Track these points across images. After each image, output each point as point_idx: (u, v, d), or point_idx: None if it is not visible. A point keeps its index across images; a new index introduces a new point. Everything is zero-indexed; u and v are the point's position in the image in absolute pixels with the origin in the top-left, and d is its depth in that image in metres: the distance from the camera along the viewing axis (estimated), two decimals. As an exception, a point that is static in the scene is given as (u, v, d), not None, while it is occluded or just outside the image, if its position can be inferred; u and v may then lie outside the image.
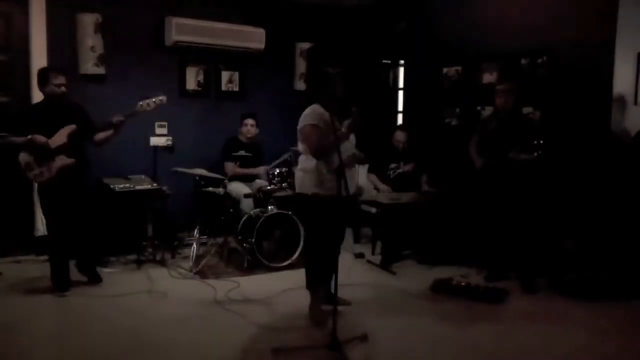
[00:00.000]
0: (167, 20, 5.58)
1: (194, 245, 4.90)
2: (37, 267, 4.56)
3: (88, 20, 5.16)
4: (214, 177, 4.95)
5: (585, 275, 4.13)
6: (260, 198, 4.99)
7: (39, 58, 5.07)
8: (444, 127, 5.85)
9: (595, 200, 4.32)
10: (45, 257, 4.30)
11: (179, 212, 5.42)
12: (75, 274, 4.26)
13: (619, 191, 4.22)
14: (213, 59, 6.00)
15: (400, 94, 6.76)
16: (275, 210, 4.84)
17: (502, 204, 4.40)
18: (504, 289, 4.21)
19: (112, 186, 4.80)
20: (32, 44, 5.09)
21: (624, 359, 3.27)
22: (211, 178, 4.98)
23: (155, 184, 5.00)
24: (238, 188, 5.25)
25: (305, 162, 3.66)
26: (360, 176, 5.69)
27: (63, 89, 4.01)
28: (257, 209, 4.96)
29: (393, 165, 5.52)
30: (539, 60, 4.92)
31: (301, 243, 4.84)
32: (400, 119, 6.66)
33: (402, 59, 6.70)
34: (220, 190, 4.92)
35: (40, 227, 4.90)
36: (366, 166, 5.63)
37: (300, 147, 3.71)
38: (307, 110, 3.65)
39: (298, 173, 3.73)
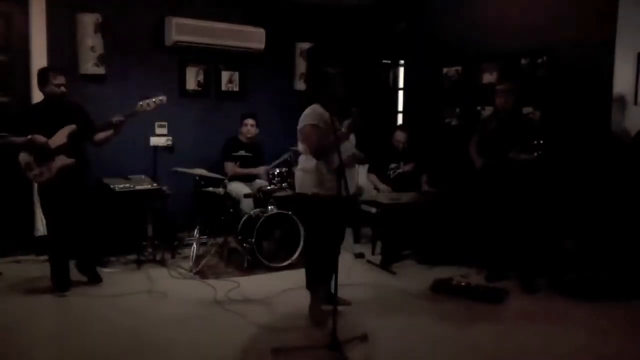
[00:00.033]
0: (167, 20, 5.58)
1: (194, 245, 4.90)
2: (37, 267, 4.56)
3: (88, 20, 5.16)
4: (214, 177, 4.95)
5: (585, 275, 4.13)
6: (260, 198, 4.99)
7: (39, 58, 5.07)
8: (444, 127, 5.85)
9: (595, 201, 4.32)
10: (45, 257, 4.30)
11: (179, 212, 5.43)
12: (75, 274, 4.26)
13: (619, 191, 4.22)
14: (213, 59, 6.00)
15: (400, 94, 6.76)
16: (275, 210, 4.84)
17: (502, 204, 4.40)
18: (504, 289, 4.21)
19: (112, 186, 4.80)
20: (32, 44, 5.09)
21: (624, 359, 3.27)
22: (211, 178, 4.98)
23: (155, 184, 5.00)
24: (238, 188, 5.25)
25: (305, 162, 3.66)
26: (360, 176, 5.70)
27: (63, 89, 4.01)
28: (257, 209, 4.96)
29: (393, 165, 5.52)
30: (539, 60, 4.92)
31: (301, 243, 4.84)
32: (400, 119, 6.66)
33: (402, 59, 6.70)
34: (220, 190, 4.92)
35: (40, 227, 4.90)
36: (366, 166, 5.63)
37: (300, 147, 3.71)
38: (307, 110, 3.65)
39: (298, 173, 3.73)
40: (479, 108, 5.44)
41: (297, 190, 3.74)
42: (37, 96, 4.39)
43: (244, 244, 4.82)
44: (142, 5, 5.59)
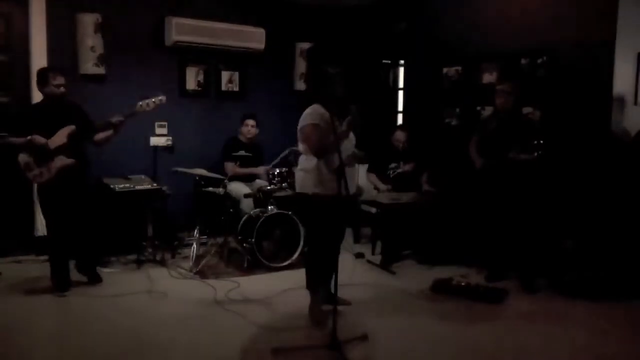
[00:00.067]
0: (167, 20, 5.58)
1: (194, 245, 4.90)
2: (37, 267, 4.56)
3: (88, 20, 5.16)
4: (214, 177, 4.95)
5: (585, 275, 4.13)
6: (260, 198, 4.99)
7: (39, 58, 5.07)
8: (444, 127, 5.85)
9: (595, 200, 4.32)
10: (45, 257, 4.30)
11: (179, 212, 5.43)
12: (75, 274, 4.26)
13: (619, 191, 4.22)
14: (213, 59, 6.00)
15: (400, 94, 6.76)
16: (275, 210, 4.84)
17: (502, 204, 4.40)
18: (504, 289, 4.21)
19: (112, 186, 4.80)
20: (32, 44, 5.09)
21: (624, 359, 3.26)
22: (211, 178, 4.98)
23: (155, 184, 5.01)
24: (238, 188, 5.25)
25: (306, 162, 3.66)
26: (360, 176, 5.69)
27: (62, 89, 4.01)
28: (257, 209, 4.96)
29: (393, 165, 5.52)
30: (539, 60, 4.92)
31: (301, 243, 4.84)
32: (400, 119, 6.66)
33: (402, 59, 6.70)
34: (220, 190, 4.92)
35: (40, 227, 4.90)
36: (366, 166, 5.63)
37: (301, 147, 3.71)
38: (308, 110, 3.65)
39: (298, 173, 3.73)
40: (479, 108, 5.44)
41: (298, 190, 3.74)
42: (37, 96, 4.39)
43: (244, 244, 4.82)
44: (142, 5, 5.59)
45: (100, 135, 4.15)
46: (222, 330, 3.52)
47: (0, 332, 3.42)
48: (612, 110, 4.46)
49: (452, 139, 5.63)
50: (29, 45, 5.10)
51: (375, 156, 5.49)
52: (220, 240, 5.11)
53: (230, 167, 5.42)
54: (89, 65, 5.21)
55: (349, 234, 5.31)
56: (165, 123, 5.76)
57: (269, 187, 4.96)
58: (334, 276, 3.44)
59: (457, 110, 5.74)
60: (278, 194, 5.01)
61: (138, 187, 4.88)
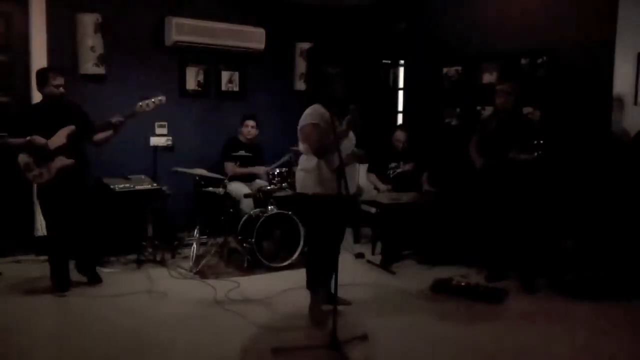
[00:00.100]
0: (167, 20, 5.58)
1: (194, 245, 4.90)
2: (37, 267, 4.56)
3: (88, 20, 5.16)
4: (214, 177, 4.95)
5: (585, 275, 4.13)
6: (260, 198, 4.99)
7: (39, 58, 5.07)
8: (444, 127, 5.85)
9: (595, 200, 4.32)
10: (45, 257, 4.30)
11: (179, 212, 5.43)
12: (75, 275, 4.26)
13: (619, 191, 4.22)
14: (213, 59, 6.00)
15: (400, 94, 6.76)
16: (275, 210, 4.84)
17: (502, 204, 4.40)
18: (504, 289, 4.21)
19: (112, 186, 4.80)
20: (32, 44, 5.09)
21: (624, 359, 3.26)
22: (211, 178, 4.98)
23: (155, 184, 5.01)
24: (238, 188, 5.25)
25: (306, 162, 3.66)
26: (361, 176, 5.69)
27: (62, 89, 4.00)
28: (257, 209, 4.96)
29: (393, 165, 5.52)
30: (539, 60, 4.92)
31: (301, 243, 4.84)
32: (400, 119, 6.66)
33: (402, 59, 6.70)
34: (220, 190, 4.92)
35: (40, 227, 4.89)
36: (366, 166, 5.63)
37: (301, 146, 3.71)
38: (308, 110, 3.65)
39: (299, 173, 3.73)
40: (479, 108, 5.44)
41: (299, 190, 3.74)
42: (37, 96, 4.38)
43: (244, 244, 4.82)
44: (142, 5, 5.59)
45: (99, 136, 4.15)
46: (222, 330, 3.52)
47: (0, 332, 3.42)
48: (612, 110, 4.46)
49: (452, 139, 5.63)
50: (29, 45, 5.10)
51: (375, 156, 5.49)
52: (220, 240, 5.11)
53: (230, 167, 5.42)
54: (89, 65, 5.22)
55: (349, 234, 5.32)
56: (165, 123, 5.76)
57: (269, 187, 4.96)
58: (333, 276, 3.45)
59: (457, 110, 5.74)
60: (278, 194, 5.01)
61: (138, 187, 4.88)
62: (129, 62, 5.54)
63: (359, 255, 5.17)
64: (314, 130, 3.55)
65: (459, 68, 5.72)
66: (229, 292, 4.16)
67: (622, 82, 4.40)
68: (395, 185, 5.40)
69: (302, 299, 3.83)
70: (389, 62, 6.84)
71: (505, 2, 5.26)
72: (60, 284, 4.08)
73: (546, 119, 4.80)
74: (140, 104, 4.08)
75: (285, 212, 4.85)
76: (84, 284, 4.23)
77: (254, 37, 5.95)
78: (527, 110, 4.85)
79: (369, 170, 5.61)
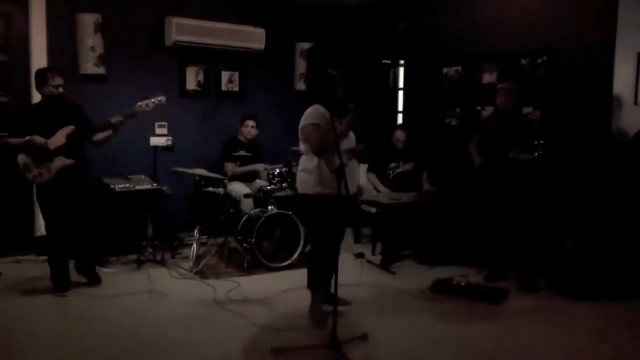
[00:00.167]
0: (167, 20, 5.58)
1: (194, 245, 4.90)
2: (37, 267, 4.56)
3: (88, 20, 5.16)
4: (214, 177, 4.95)
5: (585, 275, 4.13)
6: (260, 198, 4.99)
7: (39, 58, 5.07)
8: (444, 127, 5.85)
9: (595, 200, 4.32)
10: (45, 257, 4.30)
11: (179, 212, 5.43)
12: (76, 275, 4.26)
13: (619, 191, 4.22)
14: (213, 59, 6.00)
15: (400, 94, 6.75)
16: (275, 210, 4.84)
17: (502, 204, 4.39)
18: (504, 289, 4.21)
19: (112, 186, 4.80)
20: (32, 44, 5.09)
21: (624, 359, 3.26)
22: (211, 178, 4.98)
23: (155, 184, 5.00)
24: (238, 188, 5.25)
25: (307, 162, 3.66)
26: (361, 176, 5.69)
27: (61, 89, 4.00)
28: (257, 209, 4.96)
29: (393, 165, 5.52)
30: (539, 60, 4.92)
31: (301, 243, 4.85)
32: (400, 119, 6.66)
33: (402, 59, 6.70)
34: (220, 190, 4.92)
35: (40, 227, 4.89)
36: (366, 166, 5.63)
37: (302, 146, 3.71)
38: (309, 110, 3.66)
39: (300, 174, 3.73)
40: (479, 108, 5.44)
41: (300, 191, 3.74)
42: (37, 96, 4.38)
43: (244, 244, 4.82)
44: (142, 5, 5.59)
45: (99, 136, 4.15)
46: (222, 330, 3.52)
47: (0, 332, 3.42)
48: (612, 110, 4.46)
49: (452, 139, 5.63)
50: (29, 45, 5.10)
51: (375, 156, 5.49)
52: (220, 240, 5.11)
53: (230, 167, 5.42)
54: (89, 65, 5.22)
55: (349, 234, 5.32)
56: (165, 123, 5.76)
57: (269, 187, 4.96)
58: (333, 276, 3.44)
59: (457, 110, 5.74)
60: (278, 194, 5.01)
61: (138, 187, 4.88)
62: (129, 62, 5.54)
63: (359, 255, 5.16)
64: (315, 130, 3.55)
65: (459, 68, 5.72)
66: (229, 292, 4.16)
67: (622, 82, 4.40)
68: (395, 185, 5.40)
69: (302, 299, 3.83)
70: (389, 62, 6.84)
71: (505, 2, 5.26)
72: (60, 284, 4.08)
73: (546, 119, 4.80)
74: (140, 104, 4.08)
75: (285, 212, 4.84)
76: (84, 285, 4.23)
77: (254, 37, 5.95)
78: (527, 110, 4.85)
79: (369, 170, 5.61)
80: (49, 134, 3.92)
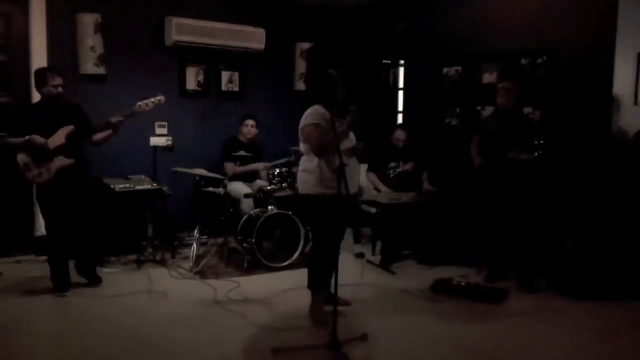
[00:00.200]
0: (167, 20, 5.58)
1: (194, 245, 4.90)
2: (37, 267, 4.56)
3: (88, 20, 5.16)
4: (214, 177, 4.95)
5: (585, 275, 4.13)
6: (260, 198, 4.99)
7: (39, 58, 5.07)
8: (444, 127, 5.85)
9: (595, 200, 4.32)
10: (45, 257, 4.30)
11: (179, 212, 5.43)
12: (76, 275, 4.26)
13: (618, 191, 4.22)
14: (213, 59, 6.00)
15: (400, 94, 6.75)
16: (275, 210, 4.84)
17: (502, 204, 4.39)
18: (504, 289, 4.21)
19: (112, 186, 4.80)
20: (32, 44, 5.09)
21: (624, 359, 3.26)
22: (211, 178, 4.98)
23: (155, 184, 5.00)
24: (238, 188, 5.25)
25: (307, 163, 3.66)
26: (361, 176, 5.69)
27: (60, 89, 4.00)
28: (257, 209, 4.96)
29: (393, 165, 5.52)
30: (539, 60, 4.92)
31: (301, 243, 4.84)
32: (400, 119, 6.66)
33: (402, 59, 6.70)
34: (220, 190, 4.92)
35: (40, 227, 4.89)
36: (366, 166, 5.63)
37: (302, 147, 3.71)
38: (309, 110, 3.66)
39: (300, 174, 3.73)
40: (479, 108, 5.44)
41: (300, 191, 3.74)
42: (37, 96, 4.38)
43: (244, 244, 4.82)
44: (142, 5, 5.59)
45: (99, 136, 4.15)
46: (222, 330, 3.52)
47: (0, 332, 3.42)
48: (612, 110, 4.46)
49: (452, 139, 5.63)
50: (29, 45, 5.10)
51: (375, 156, 5.49)
52: (220, 240, 5.11)
53: (230, 167, 5.42)
54: (89, 65, 5.22)
55: (349, 234, 5.32)
56: (165, 123, 5.76)
57: (269, 187, 4.96)
58: (333, 276, 3.44)
59: (457, 110, 5.74)
60: (278, 194, 5.01)
61: (138, 187, 4.88)
62: (129, 62, 5.54)
63: (359, 255, 5.16)
64: (315, 130, 3.55)
65: (459, 68, 5.72)
66: (229, 292, 4.16)
67: (622, 82, 4.40)
68: (395, 185, 5.40)
69: (302, 299, 3.83)
70: (389, 62, 6.84)
71: (505, 2, 5.26)
72: (60, 284, 4.08)
73: (546, 119, 4.80)
74: (140, 103, 4.08)
75: (285, 212, 4.84)
76: (84, 285, 4.23)
77: (254, 37, 5.95)
78: (527, 110, 4.85)
79: (369, 170, 5.61)
80: (48, 134, 3.92)
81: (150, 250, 4.90)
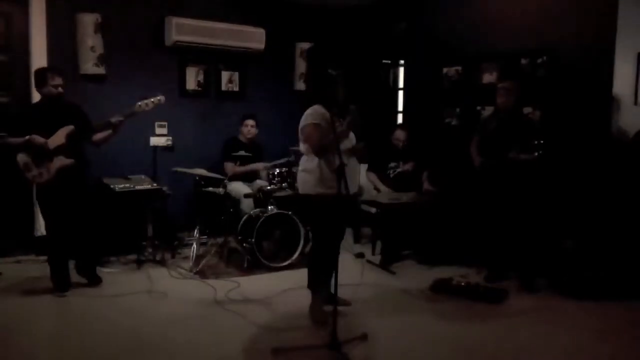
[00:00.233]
0: (167, 20, 5.58)
1: (194, 245, 4.90)
2: (37, 267, 4.56)
3: (88, 20, 5.16)
4: (214, 177, 4.95)
5: (585, 275, 4.13)
6: (260, 198, 4.99)
7: (39, 58, 5.07)
8: (444, 127, 5.85)
9: (595, 200, 4.32)
10: (45, 257, 4.30)
11: (179, 212, 5.43)
12: (76, 275, 4.26)
13: (618, 191, 4.22)
14: (213, 59, 6.00)
15: (400, 94, 6.75)
16: (275, 210, 4.84)
17: (502, 204, 4.40)
18: (504, 289, 4.21)
19: (112, 186, 4.80)
20: (32, 44, 5.09)
21: (624, 359, 3.26)
22: (211, 178, 4.98)
23: (155, 184, 5.00)
24: (238, 188, 5.25)
25: (307, 163, 3.66)
26: (361, 176, 5.69)
27: (60, 89, 4.00)
28: (257, 209, 4.96)
29: (393, 164, 5.52)
30: (539, 60, 4.92)
31: (301, 243, 4.84)
32: (400, 119, 6.66)
33: (402, 59, 6.70)
34: (220, 190, 4.92)
35: (40, 227, 4.89)
36: (366, 166, 5.63)
37: (302, 147, 3.71)
38: (309, 110, 3.66)
39: (300, 174, 3.73)
40: (479, 108, 5.44)
41: (300, 191, 3.74)
42: (37, 96, 4.38)
43: (244, 244, 4.82)
44: (142, 5, 5.59)
45: (99, 136, 4.15)
46: (222, 330, 3.52)
47: (0, 332, 3.42)
48: (612, 110, 4.46)
49: (452, 139, 5.63)
50: (29, 45, 5.10)
51: (375, 156, 5.49)
52: (220, 240, 5.12)
53: (230, 167, 5.42)
54: (89, 65, 5.22)
55: (349, 234, 5.32)
56: (165, 123, 5.77)
57: (269, 187, 4.96)
58: (333, 276, 3.44)
59: (457, 110, 5.74)
60: (278, 194, 5.01)
61: (138, 187, 4.88)
62: (129, 62, 5.54)
63: (359, 255, 5.17)
64: (315, 130, 3.55)
65: (459, 68, 5.72)
66: (229, 292, 4.16)
67: (622, 82, 4.40)
68: (395, 185, 5.40)
69: (302, 299, 3.83)
70: (389, 62, 6.84)
71: (505, 2, 5.26)
72: (60, 284, 4.08)
73: (546, 119, 4.80)
74: (139, 103, 4.08)
75: (285, 212, 4.84)
76: (84, 285, 4.23)
77: (254, 37, 5.95)
78: (527, 110, 4.85)
79: (369, 170, 5.61)
80: (48, 134, 3.92)
81: (150, 250, 4.90)
